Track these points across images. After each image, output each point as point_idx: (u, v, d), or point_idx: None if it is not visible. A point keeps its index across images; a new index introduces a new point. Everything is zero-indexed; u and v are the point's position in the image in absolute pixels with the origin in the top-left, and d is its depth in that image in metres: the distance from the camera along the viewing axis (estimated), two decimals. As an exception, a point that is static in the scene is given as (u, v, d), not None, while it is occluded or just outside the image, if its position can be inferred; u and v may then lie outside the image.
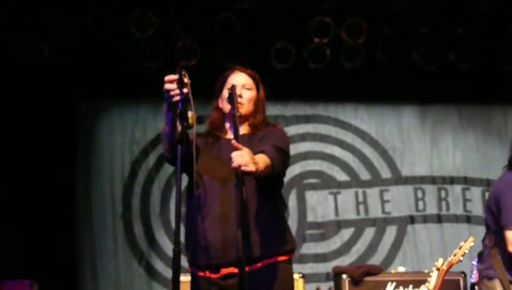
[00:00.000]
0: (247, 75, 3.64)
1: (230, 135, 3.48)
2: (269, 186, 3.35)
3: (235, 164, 2.92)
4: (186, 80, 3.02)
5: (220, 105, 3.57)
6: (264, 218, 3.29)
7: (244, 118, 3.52)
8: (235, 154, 2.94)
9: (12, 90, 6.39)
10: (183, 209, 3.02)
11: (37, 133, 6.39)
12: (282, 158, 3.34)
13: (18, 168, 6.22)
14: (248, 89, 3.55)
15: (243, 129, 3.53)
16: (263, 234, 3.25)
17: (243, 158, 2.94)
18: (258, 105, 3.59)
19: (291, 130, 7.14)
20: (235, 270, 3.18)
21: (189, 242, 3.35)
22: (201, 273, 3.28)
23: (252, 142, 3.26)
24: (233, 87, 3.35)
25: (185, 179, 3.14)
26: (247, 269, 3.00)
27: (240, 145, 2.97)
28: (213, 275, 3.26)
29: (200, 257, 3.25)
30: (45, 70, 6.45)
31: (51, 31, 6.25)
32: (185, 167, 3.10)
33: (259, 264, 3.24)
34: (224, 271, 3.23)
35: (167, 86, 3.04)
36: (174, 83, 3.03)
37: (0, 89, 6.31)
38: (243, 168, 2.91)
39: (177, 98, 3.04)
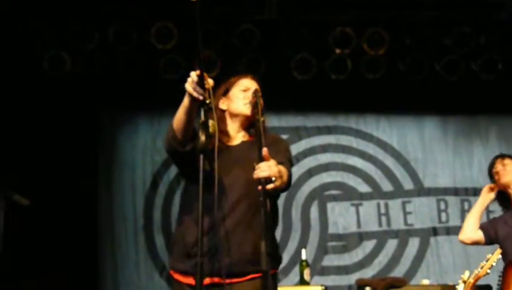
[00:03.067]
0: (256, 82, 3.59)
1: (233, 141, 3.45)
2: (275, 198, 3.32)
3: (264, 174, 2.87)
4: (208, 85, 2.99)
5: (225, 107, 3.51)
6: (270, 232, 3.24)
7: (249, 124, 3.47)
8: (263, 165, 2.89)
9: (36, 103, 6.41)
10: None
11: (59, 145, 6.41)
12: (291, 170, 3.31)
13: (40, 180, 6.23)
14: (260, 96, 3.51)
15: (243, 136, 3.49)
16: (271, 247, 3.18)
17: (271, 169, 2.89)
18: (264, 111, 3.54)
19: (313, 142, 7.13)
20: (221, 280, 3.13)
21: (176, 249, 3.29)
22: (183, 279, 3.21)
23: (254, 150, 3.10)
24: (256, 92, 3.30)
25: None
26: (238, 279, 3.02)
27: (268, 156, 2.92)
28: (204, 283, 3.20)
29: (184, 263, 3.19)
30: (68, 83, 6.48)
31: (73, 44, 6.28)
32: (188, 173, 3.08)
33: (247, 277, 3.17)
34: (209, 280, 3.12)
35: (192, 77, 2.99)
36: (198, 78, 2.97)
37: (25, 102, 6.34)
38: (273, 181, 2.87)
39: (197, 91, 2.99)
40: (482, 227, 4.87)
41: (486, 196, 4.94)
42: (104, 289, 6.57)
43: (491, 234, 4.80)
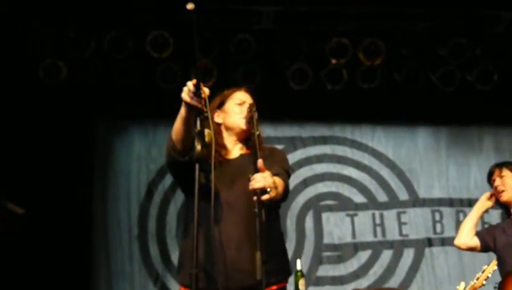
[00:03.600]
0: (250, 95, 3.60)
1: (231, 155, 3.46)
2: (274, 209, 3.31)
3: (258, 185, 2.88)
4: (204, 95, 2.99)
5: (221, 120, 3.52)
6: (272, 242, 3.21)
7: (246, 138, 3.48)
8: (258, 176, 2.91)
9: (31, 111, 6.40)
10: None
11: (54, 153, 6.39)
12: (288, 182, 3.32)
13: (35, 187, 6.21)
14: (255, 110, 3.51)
15: (241, 149, 3.50)
16: (273, 259, 3.16)
17: (266, 180, 2.90)
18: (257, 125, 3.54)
19: (308, 152, 7.12)
20: None
21: (186, 264, 3.26)
22: None
23: (252, 163, 3.14)
24: (251, 106, 3.32)
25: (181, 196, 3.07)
26: None
27: (263, 167, 2.93)
28: None
29: (200, 280, 3.18)
30: (63, 91, 6.47)
31: (68, 52, 6.27)
32: (187, 185, 3.05)
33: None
34: None
35: (189, 86, 3.00)
36: (194, 87, 2.98)
37: (21, 110, 6.32)
38: (268, 192, 2.88)
39: (194, 100, 2.99)
40: (479, 234, 4.83)
41: (485, 203, 4.89)
42: (98, 298, 6.55)
43: (488, 241, 4.76)
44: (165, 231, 6.78)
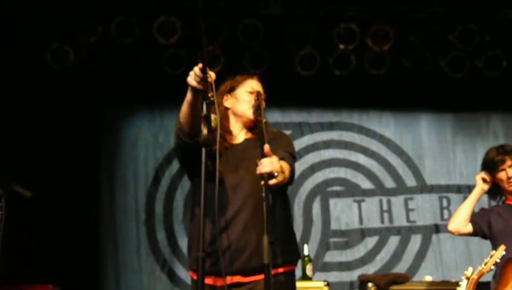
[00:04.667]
0: (261, 84, 3.61)
1: (236, 140, 3.49)
2: (281, 192, 3.33)
3: (266, 169, 2.89)
4: (210, 79, 3.00)
5: (229, 105, 3.54)
6: (278, 225, 3.26)
7: (253, 126, 3.50)
8: (265, 161, 2.92)
9: (38, 97, 6.40)
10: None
11: (61, 139, 6.40)
12: (294, 164, 3.34)
13: (42, 174, 6.22)
14: (263, 99, 3.51)
15: (246, 134, 3.52)
16: (279, 241, 3.20)
17: (273, 165, 2.92)
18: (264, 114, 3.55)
19: (316, 137, 7.11)
20: (242, 279, 3.21)
21: (194, 247, 3.31)
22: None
23: (257, 147, 3.19)
24: (259, 95, 3.35)
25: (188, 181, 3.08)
26: (260, 276, 3.00)
27: (270, 152, 2.94)
28: (218, 283, 3.22)
29: (206, 263, 3.20)
30: (70, 76, 6.46)
31: (75, 37, 6.26)
32: (194, 168, 3.07)
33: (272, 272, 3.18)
34: (231, 279, 3.20)
35: (195, 70, 3.01)
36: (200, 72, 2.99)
37: (28, 95, 6.32)
38: (275, 176, 2.89)
39: (200, 84, 3.01)
40: (472, 219, 4.75)
41: (483, 187, 4.82)
42: (106, 282, 6.57)
43: (483, 227, 4.70)
44: (172, 217, 6.80)
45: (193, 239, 3.36)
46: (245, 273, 3.23)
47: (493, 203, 4.92)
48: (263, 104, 3.40)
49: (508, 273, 4.30)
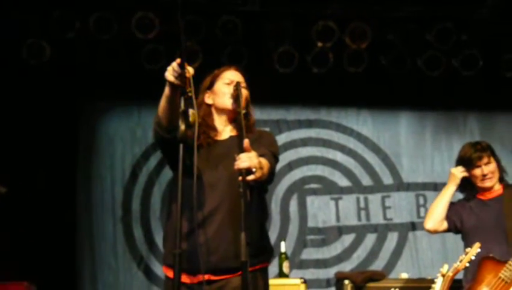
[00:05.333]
0: (240, 73, 3.58)
1: (221, 136, 3.46)
2: (259, 192, 3.32)
3: (244, 164, 2.87)
4: (188, 74, 2.99)
5: (211, 101, 3.52)
6: (254, 224, 3.23)
7: (234, 117, 3.47)
8: (244, 156, 2.90)
9: (14, 92, 6.34)
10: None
11: (37, 135, 6.35)
12: (275, 164, 3.33)
13: (18, 169, 6.17)
14: (243, 87, 3.49)
15: (231, 131, 3.49)
16: (255, 241, 3.19)
17: (251, 161, 2.90)
18: (249, 106, 3.52)
19: (293, 135, 7.12)
20: (212, 277, 3.19)
21: (169, 244, 3.30)
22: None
23: (238, 143, 3.15)
24: (238, 85, 3.31)
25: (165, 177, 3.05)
26: (229, 276, 3.04)
27: (249, 147, 2.93)
28: (189, 280, 3.22)
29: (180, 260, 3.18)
30: (47, 72, 6.41)
31: (53, 33, 6.21)
32: (175, 163, 3.03)
33: (238, 273, 3.15)
34: (201, 277, 3.16)
35: (173, 65, 3.00)
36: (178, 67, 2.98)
37: (3, 91, 6.26)
38: (253, 172, 2.88)
39: (178, 79, 3.00)
40: (447, 216, 4.76)
41: (457, 182, 4.83)
42: (82, 280, 6.52)
43: (456, 222, 4.71)
44: (149, 213, 6.77)
45: (168, 235, 3.35)
46: (216, 273, 3.21)
47: (462, 196, 4.93)
48: (244, 92, 3.38)
49: (483, 271, 4.34)
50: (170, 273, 3.18)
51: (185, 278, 3.19)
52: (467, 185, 4.79)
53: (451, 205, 4.83)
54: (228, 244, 3.17)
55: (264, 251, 3.39)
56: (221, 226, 3.21)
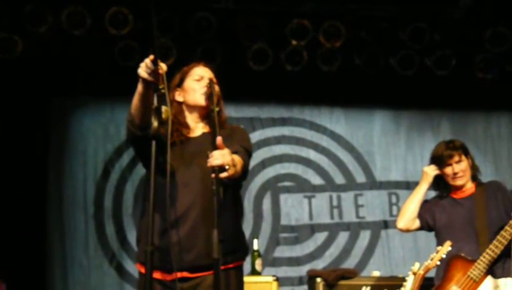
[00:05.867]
0: (210, 70, 3.57)
1: (193, 133, 3.44)
2: (233, 189, 3.31)
3: (217, 162, 2.87)
4: (161, 70, 2.97)
5: (182, 98, 3.50)
6: (228, 221, 3.24)
7: (206, 114, 3.45)
8: (217, 153, 2.89)
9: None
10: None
11: (8, 130, 6.29)
12: (249, 160, 3.32)
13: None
14: (215, 83, 3.47)
15: (203, 127, 3.48)
16: (229, 238, 3.17)
17: (224, 158, 2.89)
18: (221, 101, 3.50)
19: (267, 133, 7.12)
20: (188, 275, 3.18)
21: (142, 241, 3.28)
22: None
23: (211, 140, 3.11)
24: (211, 82, 3.29)
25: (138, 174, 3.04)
26: (207, 272, 2.99)
27: (222, 144, 2.92)
28: (164, 277, 3.21)
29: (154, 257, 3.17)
30: (18, 66, 6.34)
31: (25, 26, 6.14)
32: (148, 161, 3.01)
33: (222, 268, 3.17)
34: (178, 275, 3.16)
35: (146, 62, 2.98)
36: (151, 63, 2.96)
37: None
38: (226, 170, 2.87)
39: (151, 76, 2.98)
40: (419, 214, 4.79)
41: (429, 181, 4.86)
42: (53, 276, 6.47)
43: (428, 220, 4.73)
44: (122, 210, 6.74)
45: (142, 232, 3.33)
46: (192, 270, 3.21)
47: (435, 194, 4.96)
48: (216, 89, 3.37)
49: (452, 270, 4.37)
50: (144, 271, 3.16)
51: (160, 276, 3.20)
52: (441, 184, 4.82)
53: (425, 202, 4.86)
54: (203, 241, 3.16)
55: (238, 249, 3.38)
56: (195, 223, 3.20)
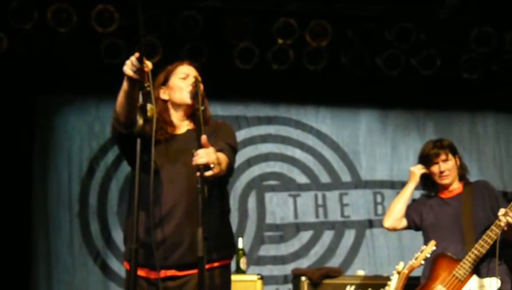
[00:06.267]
0: (195, 68, 3.58)
1: (178, 130, 3.45)
2: (219, 186, 3.31)
3: (202, 160, 2.87)
4: (146, 68, 2.97)
5: (167, 96, 3.50)
6: (214, 219, 3.25)
7: (192, 113, 3.44)
8: (202, 152, 2.90)
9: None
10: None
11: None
12: (234, 157, 3.33)
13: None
14: (200, 82, 3.47)
15: (188, 125, 3.48)
16: (215, 236, 3.19)
17: (209, 156, 2.90)
18: (205, 100, 3.49)
19: (253, 131, 7.12)
20: (176, 273, 3.19)
21: (128, 239, 3.28)
22: (138, 272, 3.18)
23: (196, 138, 3.10)
24: (197, 81, 3.29)
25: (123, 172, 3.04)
26: (195, 271, 2.99)
27: (207, 143, 2.92)
28: (152, 276, 3.21)
29: (140, 255, 3.17)
30: (3, 63, 6.30)
31: (10, 23, 6.11)
32: (133, 159, 3.00)
33: (207, 266, 3.18)
34: (165, 273, 3.18)
35: (131, 59, 2.99)
36: (137, 61, 2.97)
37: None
38: (211, 168, 2.88)
39: (136, 74, 2.98)
40: (406, 214, 4.82)
41: (416, 180, 4.89)
42: (37, 275, 6.44)
43: (416, 220, 4.75)
44: (107, 208, 6.71)
45: (128, 230, 3.32)
46: (180, 268, 3.21)
47: (424, 193, 4.98)
48: (201, 89, 3.37)
49: (438, 269, 4.39)
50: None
51: (148, 274, 3.21)
52: (429, 183, 4.85)
53: (413, 202, 4.91)
54: (189, 239, 3.16)
55: (224, 246, 3.39)
56: (181, 221, 3.21)
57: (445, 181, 4.70)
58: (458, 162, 4.77)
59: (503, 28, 6.75)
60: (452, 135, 7.15)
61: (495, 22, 6.70)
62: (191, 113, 3.45)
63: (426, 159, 4.78)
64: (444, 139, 4.87)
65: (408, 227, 4.87)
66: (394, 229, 4.90)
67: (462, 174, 4.79)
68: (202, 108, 3.17)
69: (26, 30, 6.15)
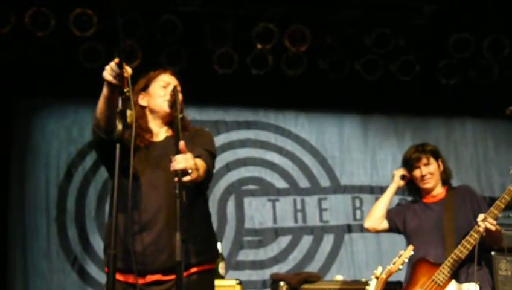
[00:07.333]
0: (175, 77, 3.58)
1: (157, 138, 3.46)
2: (199, 191, 3.31)
3: (180, 166, 2.87)
4: (126, 74, 2.97)
5: (145, 103, 3.51)
6: (196, 224, 3.26)
7: (170, 120, 3.46)
8: (179, 157, 2.90)
9: None
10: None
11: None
12: (213, 163, 3.34)
13: None
14: (179, 91, 3.49)
15: (167, 131, 3.49)
16: (196, 240, 3.22)
17: (187, 162, 2.91)
18: (183, 108, 3.52)
19: (232, 136, 7.12)
20: (162, 277, 3.19)
21: (108, 244, 3.24)
22: (120, 278, 3.19)
23: (175, 144, 3.12)
24: (175, 89, 3.32)
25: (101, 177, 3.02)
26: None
27: (185, 148, 2.93)
28: (138, 281, 3.17)
29: (123, 261, 3.15)
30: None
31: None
32: (112, 165, 3.00)
33: (190, 271, 3.22)
34: (151, 278, 3.19)
35: (111, 65, 2.99)
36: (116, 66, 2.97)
37: None
38: (189, 173, 2.88)
39: (116, 79, 2.99)
40: (388, 216, 4.86)
41: (399, 183, 4.92)
42: (14, 280, 6.39)
43: (398, 223, 4.79)
44: (85, 213, 6.68)
45: (108, 236, 3.31)
46: (165, 272, 3.21)
47: (409, 199, 5.02)
48: (180, 97, 3.38)
49: (417, 274, 4.41)
50: (118, 277, 3.14)
51: (133, 280, 3.18)
52: (413, 188, 4.88)
53: (397, 205, 4.96)
54: (167, 245, 3.18)
55: (207, 250, 3.39)
56: (164, 226, 3.22)
57: (427, 185, 4.73)
58: (442, 167, 4.80)
59: (481, 34, 6.80)
60: (429, 140, 7.11)
61: (473, 28, 6.75)
62: (170, 120, 3.46)
63: (408, 163, 4.83)
64: (427, 144, 4.91)
65: (389, 229, 4.89)
66: (374, 230, 4.92)
67: (446, 179, 4.82)
68: (180, 116, 3.18)
69: (3, 33, 6.11)
